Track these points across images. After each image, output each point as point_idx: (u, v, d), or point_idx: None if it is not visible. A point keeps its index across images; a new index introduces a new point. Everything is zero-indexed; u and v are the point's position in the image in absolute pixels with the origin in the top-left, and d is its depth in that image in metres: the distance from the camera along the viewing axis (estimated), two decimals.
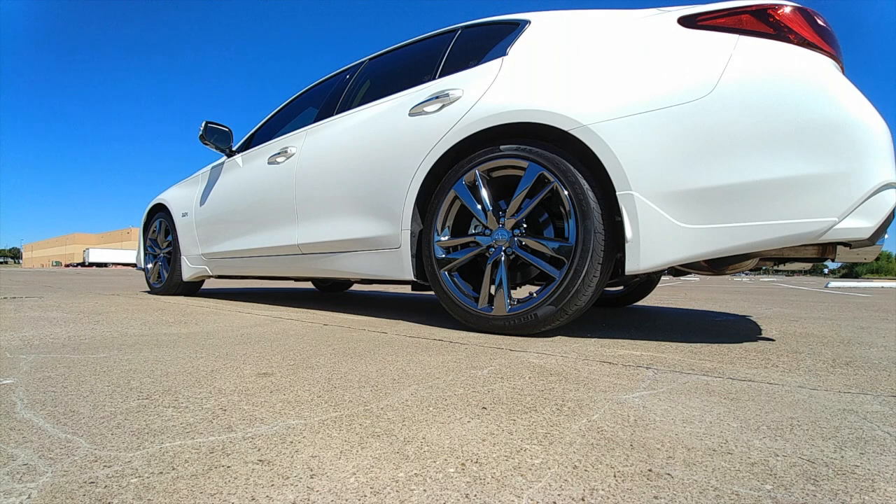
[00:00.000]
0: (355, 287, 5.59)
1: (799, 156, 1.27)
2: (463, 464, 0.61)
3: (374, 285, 6.01)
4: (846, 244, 1.40)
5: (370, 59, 2.62)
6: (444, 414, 0.81)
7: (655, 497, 0.53)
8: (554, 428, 0.74)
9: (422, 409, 0.83)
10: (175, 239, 3.44)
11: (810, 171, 1.26)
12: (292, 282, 6.42)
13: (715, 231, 1.34)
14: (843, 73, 1.40)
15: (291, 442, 0.67)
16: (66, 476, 0.55)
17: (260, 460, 0.61)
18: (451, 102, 1.85)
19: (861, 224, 1.25)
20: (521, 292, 1.79)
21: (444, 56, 2.10)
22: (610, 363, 1.24)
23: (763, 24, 1.40)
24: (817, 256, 1.56)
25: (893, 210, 1.29)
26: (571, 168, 1.54)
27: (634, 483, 0.56)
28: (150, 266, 3.77)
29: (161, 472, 0.57)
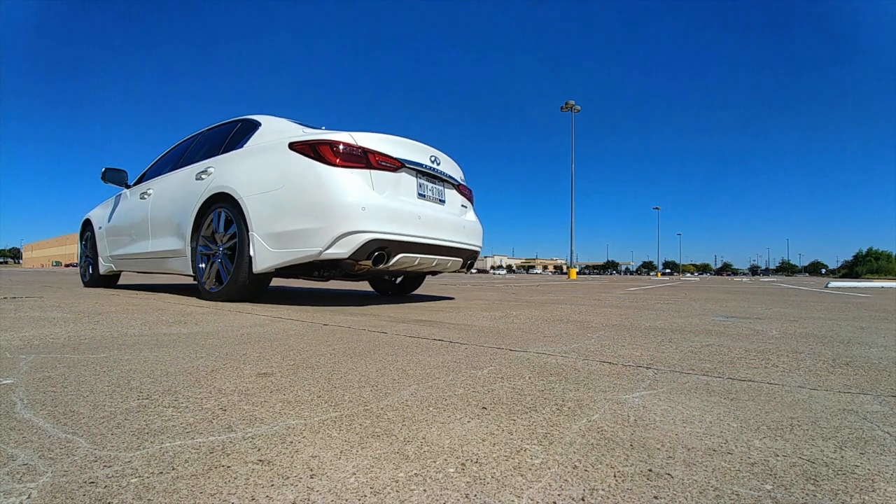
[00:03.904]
0: (355, 287, 5.60)
1: (309, 218, 2.60)
2: (463, 464, 0.61)
3: (376, 288, 6.00)
4: (339, 260, 2.61)
5: (200, 133, 4.04)
6: (444, 414, 0.81)
7: (655, 497, 0.53)
8: (554, 428, 0.74)
9: (422, 409, 0.83)
10: (93, 245, 4.88)
11: (312, 226, 2.58)
12: (292, 282, 6.42)
13: (281, 252, 2.68)
14: (373, 169, 2.79)
15: (291, 442, 0.67)
16: (66, 476, 0.55)
17: (260, 460, 0.61)
18: (208, 175, 3.25)
19: (340, 251, 2.55)
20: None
21: (224, 140, 3.48)
22: (610, 363, 1.24)
23: (311, 150, 2.70)
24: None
25: (362, 244, 2.56)
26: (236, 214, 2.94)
27: (634, 483, 0.56)
28: (82, 265, 5.29)
29: (161, 472, 0.57)
